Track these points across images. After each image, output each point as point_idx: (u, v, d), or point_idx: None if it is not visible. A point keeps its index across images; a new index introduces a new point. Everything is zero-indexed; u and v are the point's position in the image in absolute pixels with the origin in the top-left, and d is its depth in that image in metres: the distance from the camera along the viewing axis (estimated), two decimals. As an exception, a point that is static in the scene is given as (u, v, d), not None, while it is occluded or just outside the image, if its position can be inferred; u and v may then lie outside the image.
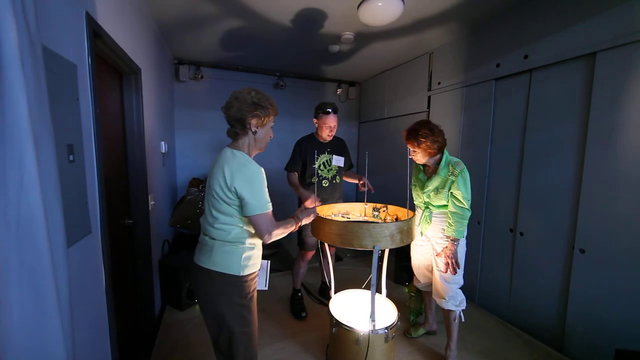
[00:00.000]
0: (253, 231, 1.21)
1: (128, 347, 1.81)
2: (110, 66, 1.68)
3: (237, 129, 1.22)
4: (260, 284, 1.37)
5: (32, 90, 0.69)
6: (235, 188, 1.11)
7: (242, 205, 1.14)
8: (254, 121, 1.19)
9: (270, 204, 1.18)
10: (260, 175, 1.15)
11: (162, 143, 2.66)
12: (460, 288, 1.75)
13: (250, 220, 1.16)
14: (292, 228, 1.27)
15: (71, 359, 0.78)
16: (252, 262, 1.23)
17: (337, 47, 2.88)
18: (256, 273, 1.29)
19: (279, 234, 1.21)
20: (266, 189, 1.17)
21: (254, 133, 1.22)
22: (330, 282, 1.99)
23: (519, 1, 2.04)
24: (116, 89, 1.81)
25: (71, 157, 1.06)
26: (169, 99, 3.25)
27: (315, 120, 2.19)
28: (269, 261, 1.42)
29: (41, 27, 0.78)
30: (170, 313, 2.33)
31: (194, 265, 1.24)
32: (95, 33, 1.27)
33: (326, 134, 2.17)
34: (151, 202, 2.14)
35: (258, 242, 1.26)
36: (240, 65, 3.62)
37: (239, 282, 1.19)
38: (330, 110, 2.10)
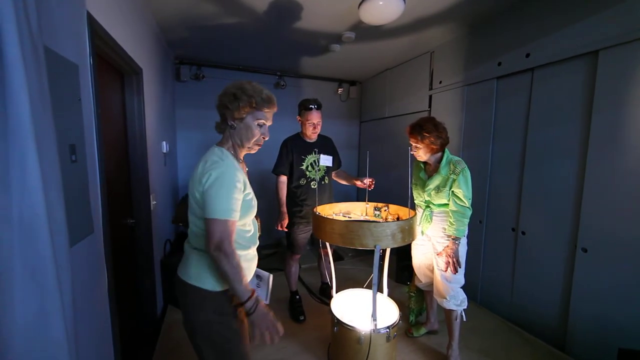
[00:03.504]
0: (240, 242, 1.07)
1: (130, 346, 1.82)
2: (112, 66, 1.68)
3: (220, 122, 1.13)
4: (261, 297, 1.31)
5: (35, 91, 0.70)
6: (204, 186, 0.97)
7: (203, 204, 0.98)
8: (229, 113, 1.06)
9: (237, 214, 0.99)
10: (230, 175, 0.98)
11: (164, 143, 2.66)
12: (461, 287, 1.75)
13: (205, 224, 0.97)
14: (238, 288, 0.97)
15: (74, 357, 0.79)
16: None
17: (338, 46, 2.88)
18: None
19: (228, 265, 0.95)
20: (237, 196, 0.99)
21: (232, 127, 1.08)
22: (331, 281, 1.99)
23: (518, 0, 2.04)
24: (118, 89, 1.82)
25: (73, 157, 1.07)
26: (170, 99, 3.26)
27: (298, 118, 2.13)
28: (271, 274, 1.29)
29: (43, 28, 0.78)
30: (172, 312, 2.33)
31: (175, 275, 1.12)
32: (97, 33, 1.27)
33: (310, 132, 2.11)
34: (153, 202, 2.14)
35: (246, 254, 1.10)
36: (241, 65, 3.62)
37: (216, 298, 1.03)
38: (313, 106, 2.04)
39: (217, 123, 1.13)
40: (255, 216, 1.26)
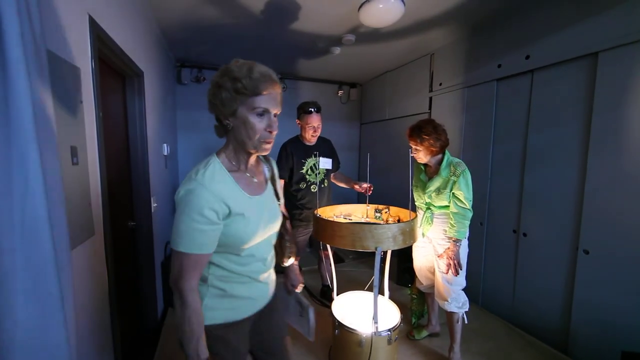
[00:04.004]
0: (229, 270, 0.86)
1: (131, 349, 1.81)
2: (113, 69, 1.69)
3: (217, 126, 0.90)
4: (303, 331, 1.14)
5: (37, 94, 0.70)
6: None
7: None
8: (219, 110, 0.85)
9: (205, 247, 0.78)
10: (196, 199, 0.75)
11: (165, 145, 2.67)
12: (463, 289, 1.74)
13: None
14: (187, 342, 0.80)
15: (75, 359, 0.79)
16: (217, 313, 0.87)
17: (339, 49, 2.89)
18: (235, 327, 0.90)
19: (180, 307, 0.78)
20: (202, 226, 0.76)
21: (228, 127, 0.84)
22: (332, 283, 1.98)
23: (520, 1, 2.04)
24: (119, 92, 1.82)
25: (75, 160, 1.07)
26: (171, 102, 3.27)
27: (298, 121, 2.12)
28: (313, 308, 1.11)
29: (45, 31, 0.79)
30: (172, 315, 2.33)
31: None
32: (99, 36, 1.28)
33: (310, 135, 2.09)
34: (154, 205, 2.15)
35: (235, 289, 0.88)
36: (242, 68, 3.64)
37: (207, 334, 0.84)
38: (313, 109, 2.02)
39: (215, 126, 0.90)
40: (284, 242, 1.09)
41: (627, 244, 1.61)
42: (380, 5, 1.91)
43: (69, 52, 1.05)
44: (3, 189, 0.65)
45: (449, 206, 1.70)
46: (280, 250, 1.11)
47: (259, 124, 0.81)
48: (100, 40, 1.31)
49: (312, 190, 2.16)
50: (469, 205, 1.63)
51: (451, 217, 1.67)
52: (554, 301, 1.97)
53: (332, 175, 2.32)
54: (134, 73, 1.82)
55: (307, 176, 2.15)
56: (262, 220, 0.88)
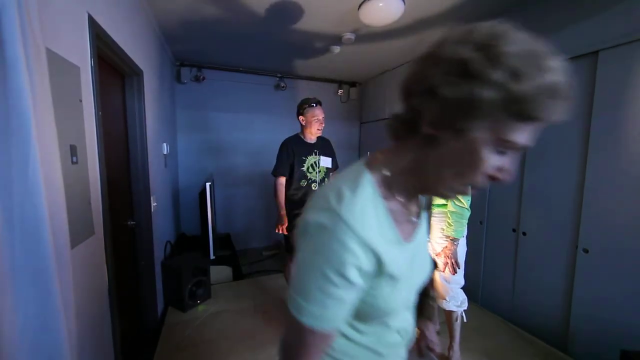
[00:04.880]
0: (349, 338, 0.57)
1: (130, 348, 1.82)
2: (113, 68, 1.69)
3: (398, 122, 0.52)
4: None
5: (37, 93, 0.70)
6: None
7: None
8: (429, 107, 0.45)
9: (331, 323, 0.48)
10: (332, 247, 0.44)
11: (164, 144, 2.67)
12: (462, 288, 1.74)
13: None
14: None
15: (74, 359, 0.79)
16: None
17: (338, 48, 2.88)
18: None
19: None
20: (335, 291, 0.45)
21: (428, 140, 0.46)
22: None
23: (519, 0, 2.04)
24: (118, 91, 1.82)
25: (74, 159, 1.07)
26: (171, 101, 3.26)
27: (301, 118, 2.14)
28: None
29: (44, 30, 0.79)
30: (172, 314, 2.33)
31: None
32: (98, 35, 1.28)
33: (315, 129, 2.12)
34: (153, 204, 2.15)
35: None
36: (242, 67, 3.63)
37: None
38: (315, 104, 2.09)
39: (395, 118, 0.53)
40: (426, 299, 0.80)
41: (627, 243, 1.61)
42: (381, 4, 1.91)
43: (69, 50, 1.05)
44: (3, 188, 0.65)
45: (446, 205, 1.70)
46: (418, 308, 0.76)
47: (492, 162, 0.43)
48: (99, 39, 1.30)
49: (314, 188, 2.18)
50: (466, 204, 1.63)
51: (449, 215, 1.67)
52: (554, 300, 1.98)
53: (330, 175, 2.33)
54: (133, 72, 1.82)
55: (308, 174, 2.16)
56: (413, 279, 0.58)
